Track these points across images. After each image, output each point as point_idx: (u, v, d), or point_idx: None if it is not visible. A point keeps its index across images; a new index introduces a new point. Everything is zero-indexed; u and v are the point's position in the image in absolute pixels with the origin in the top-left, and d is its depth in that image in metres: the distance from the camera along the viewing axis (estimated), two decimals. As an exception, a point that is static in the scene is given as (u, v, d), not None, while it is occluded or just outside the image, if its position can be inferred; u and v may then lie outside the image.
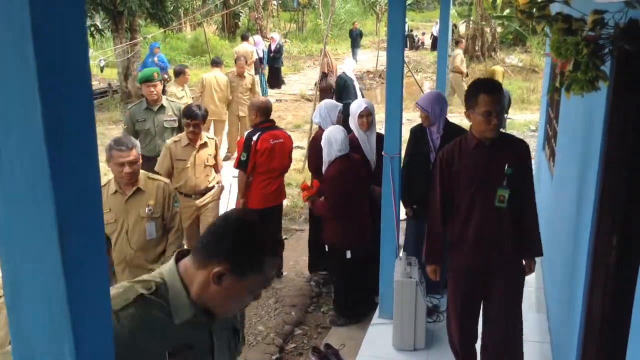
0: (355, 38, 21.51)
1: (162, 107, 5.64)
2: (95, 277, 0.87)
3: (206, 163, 4.81)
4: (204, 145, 4.81)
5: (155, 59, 11.83)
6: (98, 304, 0.88)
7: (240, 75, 9.30)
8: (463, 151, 3.20)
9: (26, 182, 0.78)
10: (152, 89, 5.57)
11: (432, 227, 3.39)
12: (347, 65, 9.74)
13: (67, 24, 0.77)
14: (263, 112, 5.01)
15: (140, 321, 1.40)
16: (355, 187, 4.35)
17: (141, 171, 3.52)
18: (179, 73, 8.10)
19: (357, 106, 4.68)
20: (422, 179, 4.24)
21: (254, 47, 14.08)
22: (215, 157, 4.95)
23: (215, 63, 9.25)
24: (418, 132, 4.51)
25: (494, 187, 3.12)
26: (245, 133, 5.15)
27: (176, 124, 5.65)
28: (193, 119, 4.71)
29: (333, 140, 4.28)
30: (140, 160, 3.51)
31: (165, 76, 10.66)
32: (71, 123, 0.79)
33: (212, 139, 4.97)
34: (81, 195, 0.82)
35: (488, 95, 2.97)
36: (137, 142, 3.50)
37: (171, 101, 5.86)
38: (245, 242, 1.47)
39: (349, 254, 4.38)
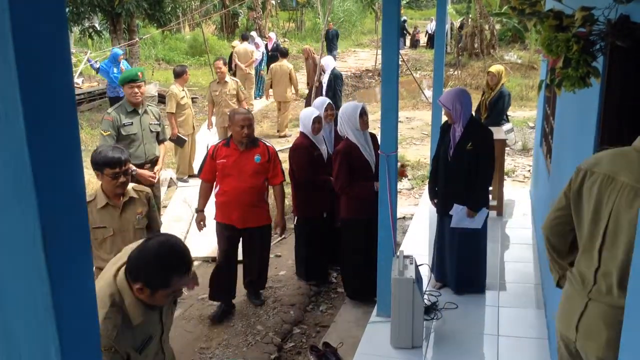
0: (332, 40, 19.74)
1: (146, 109, 5.33)
2: (80, 277, 0.87)
3: (136, 226, 3.53)
4: (131, 202, 3.52)
5: (122, 67, 10.76)
6: (83, 304, 0.88)
7: (221, 80, 8.44)
8: None
9: (8, 181, 0.78)
10: (136, 90, 5.17)
11: None
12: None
13: (48, 23, 0.78)
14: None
15: None
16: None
17: None
18: (180, 74, 8.06)
19: (354, 107, 4.60)
20: (441, 176, 4.52)
21: (254, 47, 14.02)
22: (149, 214, 3.62)
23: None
24: (443, 130, 4.59)
25: None
26: (273, 147, 4.72)
27: (159, 128, 5.40)
28: (119, 165, 3.38)
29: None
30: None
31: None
32: (53, 122, 0.79)
33: (142, 191, 3.63)
34: (65, 195, 0.82)
35: None
36: None
37: (149, 105, 5.51)
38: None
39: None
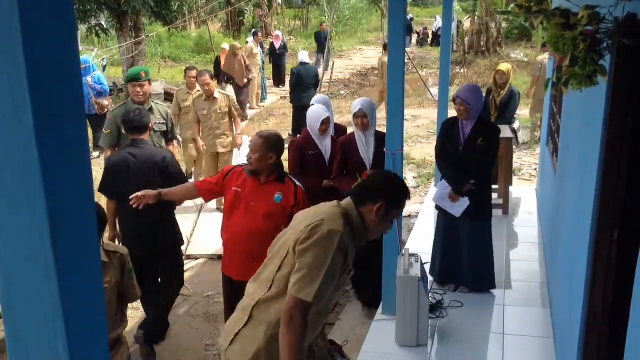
0: (323, 43, 17.11)
1: (150, 108, 5.13)
2: (87, 274, 0.87)
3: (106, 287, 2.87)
4: (105, 267, 2.85)
5: (89, 79, 8.62)
6: (91, 301, 0.89)
7: (210, 97, 6.70)
8: None
9: (17, 180, 0.79)
10: (139, 89, 5.05)
11: None
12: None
13: (56, 20, 0.78)
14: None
15: None
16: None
17: None
18: (185, 74, 7.95)
19: (353, 106, 4.62)
20: (451, 173, 4.46)
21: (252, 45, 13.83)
22: (123, 281, 3.04)
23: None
24: (449, 125, 4.52)
25: None
26: (303, 189, 3.66)
27: (165, 127, 5.26)
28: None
29: None
30: None
31: (105, 102, 8.76)
32: (61, 121, 0.80)
33: (116, 253, 3.02)
34: (73, 192, 0.83)
35: None
36: None
37: (157, 103, 5.42)
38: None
39: None
